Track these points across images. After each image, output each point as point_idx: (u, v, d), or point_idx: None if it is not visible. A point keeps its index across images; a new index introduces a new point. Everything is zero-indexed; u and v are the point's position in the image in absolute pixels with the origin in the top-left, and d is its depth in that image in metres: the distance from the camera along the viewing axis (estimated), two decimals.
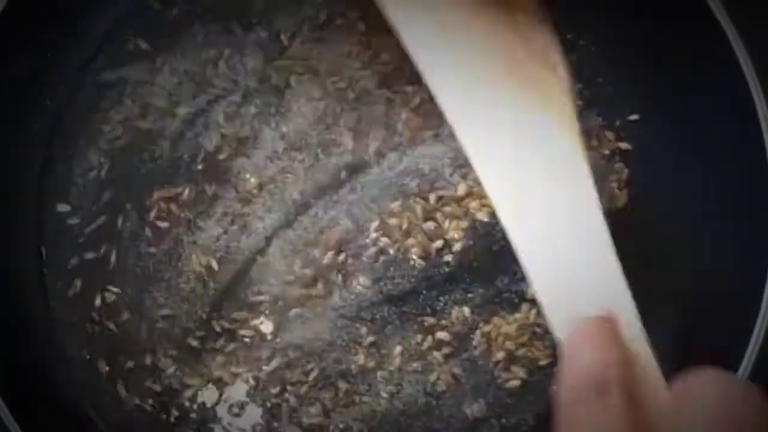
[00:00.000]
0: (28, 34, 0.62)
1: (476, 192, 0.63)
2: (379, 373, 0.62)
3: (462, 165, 0.64)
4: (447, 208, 0.63)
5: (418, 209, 0.63)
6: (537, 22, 0.53)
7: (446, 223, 0.63)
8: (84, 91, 0.66)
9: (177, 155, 0.64)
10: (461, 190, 0.64)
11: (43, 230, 0.64)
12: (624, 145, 0.65)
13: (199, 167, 0.64)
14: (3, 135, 0.63)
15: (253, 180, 0.64)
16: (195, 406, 0.62)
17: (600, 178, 0.64)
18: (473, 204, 0.63)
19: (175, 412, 0.62)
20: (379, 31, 0.64)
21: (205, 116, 0.65)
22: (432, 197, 0.63)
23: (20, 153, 0.64)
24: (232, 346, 0.63)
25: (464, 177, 0.64)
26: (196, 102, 0.65)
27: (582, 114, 0.65)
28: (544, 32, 0.53)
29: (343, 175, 0.64)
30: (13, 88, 0.62)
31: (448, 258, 0.63)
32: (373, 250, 0.63)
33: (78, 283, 0.63)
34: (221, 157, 0.64)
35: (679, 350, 0.61)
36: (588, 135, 0.65)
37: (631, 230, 0.64)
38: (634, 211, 0.64)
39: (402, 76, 0.65)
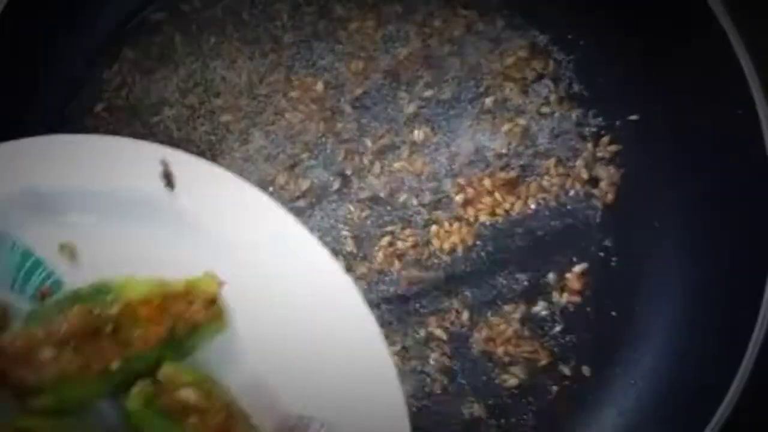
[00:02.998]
0: (28, 33, 0.62)
1: (474, 197, 0.64)
2: None
3: (460, 171, 0.64)
4: (446, 213, 0.64)
5: (417, 216, 0.64)
6: None
7: (446, 227, 0.63)
8: (85, 90, 0.66)
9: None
10: (460, 195, 0.64)
11: None
12: (615, 147, 0.65)
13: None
14: (3, 135, 0.63)
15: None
16: None
17: (593, 181, 0.65)
18: (471, 208, 0.64)
19: None
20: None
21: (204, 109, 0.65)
22: (431, 202, 0.64)
23: None
24: None
25: (462, 183, 0.64)
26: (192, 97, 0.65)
27: (582, 114, 0.65)
28: None
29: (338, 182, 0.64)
30: (13, 88, 0.63)
31: (447, 260, 0.63)
32: (373, 253, 0.63)
33: None
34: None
35: (676, 348, 0.62)
36: (582, 138, 0.65)
37: (629, 230, 0.64)
38: (630, 212, 0.64)
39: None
